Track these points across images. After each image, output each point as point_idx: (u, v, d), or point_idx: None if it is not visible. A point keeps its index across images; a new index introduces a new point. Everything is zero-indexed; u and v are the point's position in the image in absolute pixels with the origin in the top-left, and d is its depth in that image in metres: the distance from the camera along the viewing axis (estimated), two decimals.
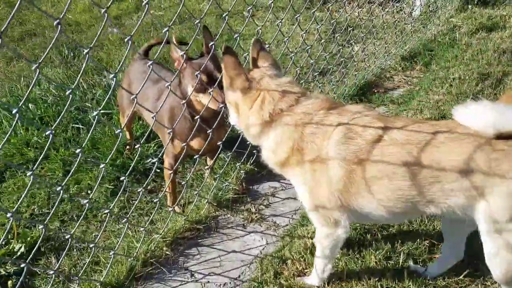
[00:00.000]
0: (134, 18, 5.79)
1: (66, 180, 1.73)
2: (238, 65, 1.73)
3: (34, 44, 5.29)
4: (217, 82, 2.07)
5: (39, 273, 2.13)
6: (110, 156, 1.92)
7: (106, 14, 1.40)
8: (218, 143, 2.34)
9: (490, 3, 5.15)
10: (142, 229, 2.10)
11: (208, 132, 2.21)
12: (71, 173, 1.65)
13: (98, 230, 2.41)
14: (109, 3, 1.45)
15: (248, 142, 2.54)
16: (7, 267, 2.16)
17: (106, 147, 3.01)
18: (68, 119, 3.34)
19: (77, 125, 3.28)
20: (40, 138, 3.14)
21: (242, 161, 2.69)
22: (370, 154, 1.52)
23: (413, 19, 4.68)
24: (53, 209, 1.85)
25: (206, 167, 2.64)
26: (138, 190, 2.11)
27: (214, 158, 2.60)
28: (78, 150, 1.54)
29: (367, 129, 1.55)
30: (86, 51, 1.40)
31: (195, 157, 2.29)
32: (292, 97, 1.66)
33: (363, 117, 1.60)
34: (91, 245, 1.84)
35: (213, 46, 2.05)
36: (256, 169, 2.74)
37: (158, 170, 2.57)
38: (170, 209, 2.29)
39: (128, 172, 2.01)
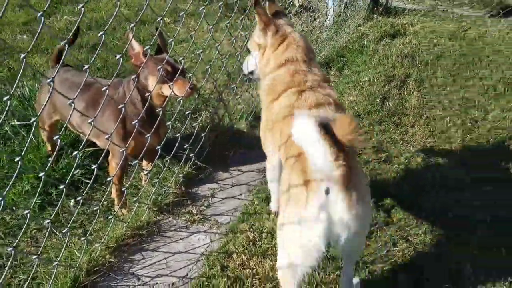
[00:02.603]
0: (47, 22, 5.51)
1: None
2: (267, 14, 2.07)
3: None
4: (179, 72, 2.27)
5: None
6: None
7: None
8: (158, 144, 2.40)
9: (392, 12, 5.74)
10: (83, 238, 2.06)
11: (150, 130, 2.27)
12: None
13: (29, 246, 2.30)
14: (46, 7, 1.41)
15: (185, 146, 2.62)
16: None
17: (27, 160, 2.86)
18: None
19: None
20: None
21: (180, 165, 2.74)
22: None
23: (326, 28, 5.04)
24: None
25: (144, 172, 2.64)
26: (78, 199, 2.07)
27: (153, 161, 2.60)
28: None
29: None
30: None
31: (133, 162, 2.30)
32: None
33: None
34: (34, 257, 1.77)
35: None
36: (194, 172, 2.80)
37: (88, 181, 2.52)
38: (113, 214, 2.26)
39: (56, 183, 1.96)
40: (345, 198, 1.43)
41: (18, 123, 3.19)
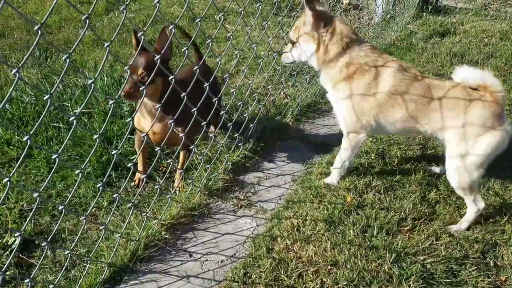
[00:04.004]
0: (104, 20, 5.85)
1: (50, 176, 1.77)
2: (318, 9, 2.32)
3: (3, 45, 5.23)
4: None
5: (35, 264, 2.21)
6: (90, 156, 1.92)
7: (87, 20, 1.42)
8: (180, 135, 2.33)
9: (442, 11, 5.65)
10: (144, 214, 2.25)
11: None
12: (53, 170, 1.67)
13: (89, 223, 2.50)
14: (90, 10, 1.50)
15: (235, 135, 2.76)
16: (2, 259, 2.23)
17: (88, 145, 3.09)
18: (48, 118, 3.40)
19: (57, 124, 3.34)
20: (21, 137, 3.18)
21: (229, 153, 2.90)
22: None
23: (374, 25, 5.05)
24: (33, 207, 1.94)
25: (179, 171, 2.71)
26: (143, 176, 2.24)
27: (182, 158, 2.67)
28: (54, 156, 1.56)
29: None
30: (65, 56, 1.44)
31: (156, 149, 2.22)
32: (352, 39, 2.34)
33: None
34: (101, 227, 1.97)
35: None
36: (242, 160, 2.95)
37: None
38: (171, 193, 2.43)
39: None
40: None
41: (82, 110, 3.47)
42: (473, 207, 2.32)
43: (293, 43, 2.48)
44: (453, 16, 5.53)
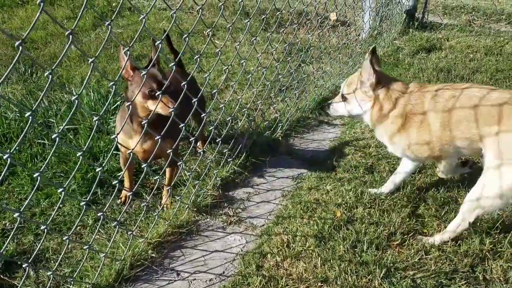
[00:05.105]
0: (92, 35, 5.83)
1: (31, 195, 1.67)
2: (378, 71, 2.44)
3: None
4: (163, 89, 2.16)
5: (17, 285, 2.13)
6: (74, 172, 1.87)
7: (71, 36, 1.40)
8: (167, 151, 2.31)
9: (428, 27, 5.76)
10: (130, 232, 2.20)
11: (154, 137, 2.23)
12: (35, 188, 1.56)
13: (74, 242, 2.44)
14: (74, 26, 1.47)
15: (224, 151, 2.73)
16: None
17: (74, 162, 3.03)
18: (32, 134, 3.34)
19: (42, 141, 3.28)
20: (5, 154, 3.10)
21: (218, 169, 2.87)
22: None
23: (361, 42, 5.11)
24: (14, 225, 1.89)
25: (166, 188, 2.66)
26: (129, 194, 2.19)
27: (169, 174, 2.63)
28: (36, 174, 1.51)
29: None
30: (47, 72, 1.40)
31: (143, 165, 2.18)
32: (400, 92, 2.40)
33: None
34: (85, 247, 1.92)
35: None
36: (231, 176, 2.92)
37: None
38: (157, 212, 2.38)
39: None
40: None
41: (67, 127, 3.42)
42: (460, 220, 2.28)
43: (345, 98, 2.57)
44: (438, 32, 5.63)
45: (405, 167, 2.67)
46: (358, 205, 2.59)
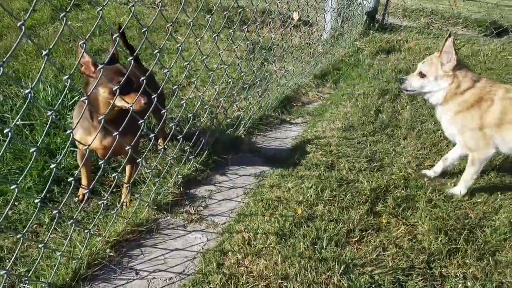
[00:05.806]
0: (50, 29, 5.61)
1: None
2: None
3: None
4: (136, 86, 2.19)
5: None
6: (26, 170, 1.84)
7: (23, 27, 1.36)
8: (126, 148, 2.26)
9: (388, 29, 5.93)
10: (86, 231, 2.13)
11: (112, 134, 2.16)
12: None
13: (29, 240, 2.36)
14: (27, 17, 1.45)
15: (185, 148, 2.70)
16: None
17: (29, 159, 2.92)
18: None
19: None
20: None
21: (179, 166, 2.83)
22: None
23: (323, 42, 5.20)
24: None
25: (125, 185, 2.57)
26: (85, 191, 2.13)
27: (129, 172, 2.58)
28: None
29: None
30: None
31: (100, 162, 2.14)
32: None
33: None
34: (40, 245, 1.84)
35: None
36: (193, 174, 2.89)
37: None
38: (115, 210, 2.32)
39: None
40: None
41: (22, 122, 3.28)
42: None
43: (423, 75, 2.83)
44: (398, 34, 5.81)
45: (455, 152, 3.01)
46: (319, 203, 2.63)
